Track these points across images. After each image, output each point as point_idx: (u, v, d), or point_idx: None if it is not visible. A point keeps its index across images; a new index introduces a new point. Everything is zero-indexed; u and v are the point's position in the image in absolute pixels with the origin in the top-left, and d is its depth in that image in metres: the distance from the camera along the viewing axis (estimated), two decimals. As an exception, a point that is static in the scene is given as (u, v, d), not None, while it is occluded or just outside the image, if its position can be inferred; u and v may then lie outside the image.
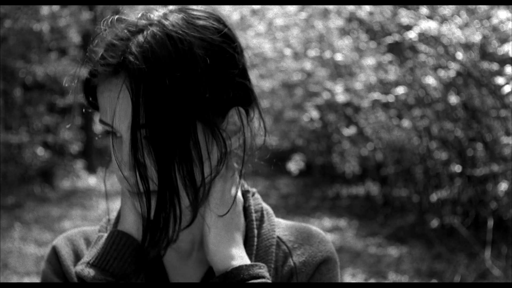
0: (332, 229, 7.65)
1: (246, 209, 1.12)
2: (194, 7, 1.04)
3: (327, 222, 8.17)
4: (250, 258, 1.07)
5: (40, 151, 11.45)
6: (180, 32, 0.97)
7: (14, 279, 5.59)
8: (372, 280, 5.41)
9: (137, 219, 1.07)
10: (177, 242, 1.09)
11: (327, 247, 1.11)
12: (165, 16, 1.00)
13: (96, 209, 9.41)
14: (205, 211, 1.06)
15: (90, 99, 1.05)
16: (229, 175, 1.08)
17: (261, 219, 1.13)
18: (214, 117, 1.00)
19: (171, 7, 1.03)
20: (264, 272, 1.02)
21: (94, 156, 14.54)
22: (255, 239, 1.10)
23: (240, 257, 1.04)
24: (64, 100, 12.34)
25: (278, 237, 1.13)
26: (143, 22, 0.99)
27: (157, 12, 1.01)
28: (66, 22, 11.73)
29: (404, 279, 5.40)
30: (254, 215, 1.12)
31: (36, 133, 11.41)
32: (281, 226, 1.15)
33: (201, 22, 1.00)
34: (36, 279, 5.47)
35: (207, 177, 1.02)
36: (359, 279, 5.44)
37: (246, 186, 1.15)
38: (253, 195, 1.15)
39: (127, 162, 0.98)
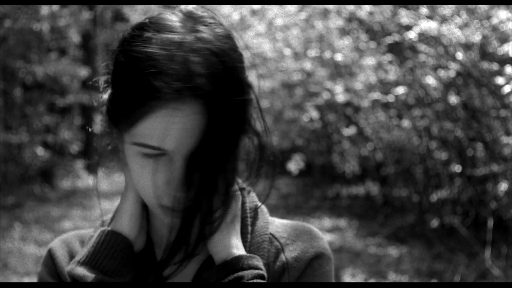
0: (332, 229, 7.65)
1: (241, 206, 1.13)
2: (194, 10, 1.00)
3: (327, 222, 8.17)
4: (244, 253, 1.08)
5: (40, 151, 11.46)
6: (225, 47, 0.96)
7: (14, 279, 5.60)
8: (372, 280, 5.41)
9: (134, 223, 1.06)
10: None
11: (320, 243, 1.12)
12: (196, 29, 0.96)
13: (96, 209, 9.41)
14: None
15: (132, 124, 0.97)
16: None
17: (255, 216, 1.14)
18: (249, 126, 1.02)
19: (178, 13, 0.99)
20: (260, 264, 1.03)
21: (94, 156, 14.53)
22: (249, 235, 1.10)
23: (241, 247, 1.05)
24: (64, 100, 12.34)
25: (271, 233, 1.13)
26: (190, 38, 0.95)
27: (178, 23, 0.97)
28: (66, 22, 11.74)
29: (404, 279, 5.40)
30: (248, 212, 1.13)
31: (36, 133, 11.41)
32: (274, 224, 1.16)
33: (220, 31, 0.98)
34: (36, 279, 5.47)
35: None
36: (359, 279, 5.44)
37: (241, 184, 1.15)
38: (248, 192, 1.16)
39: (175, 180, 0.98)
